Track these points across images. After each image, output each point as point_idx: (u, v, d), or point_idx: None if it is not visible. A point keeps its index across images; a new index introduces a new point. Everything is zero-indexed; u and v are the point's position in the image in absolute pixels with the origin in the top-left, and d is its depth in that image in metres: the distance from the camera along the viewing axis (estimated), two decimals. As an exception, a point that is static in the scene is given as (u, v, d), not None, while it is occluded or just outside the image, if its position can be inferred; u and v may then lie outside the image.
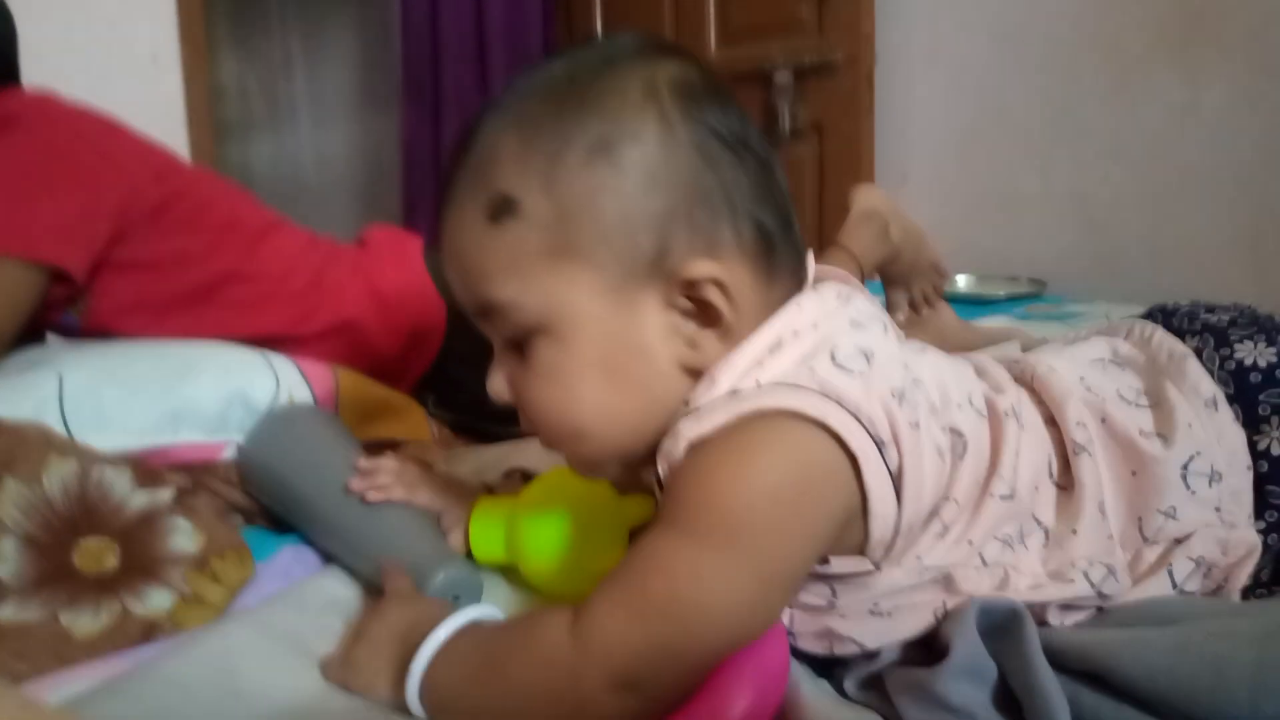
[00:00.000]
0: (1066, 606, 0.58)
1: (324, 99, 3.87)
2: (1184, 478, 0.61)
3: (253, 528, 0.84)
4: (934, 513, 0.57)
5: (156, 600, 0.68)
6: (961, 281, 2.06)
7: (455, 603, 0.66)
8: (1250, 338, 0.66)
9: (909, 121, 2.43)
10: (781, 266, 0.59)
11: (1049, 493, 0.61)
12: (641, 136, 0.55)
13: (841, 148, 2.46)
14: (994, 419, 0.61)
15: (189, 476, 0.82)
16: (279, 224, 1.24)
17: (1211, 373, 0.65)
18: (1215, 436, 0.63)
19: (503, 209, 0.56)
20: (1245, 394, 0.64)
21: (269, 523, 0.84)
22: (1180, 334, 0.69)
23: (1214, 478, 0.61)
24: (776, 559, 0.52)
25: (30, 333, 1.06)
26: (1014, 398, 0.64)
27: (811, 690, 0.54)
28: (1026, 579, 0.58)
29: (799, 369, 0.54)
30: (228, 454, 0.90)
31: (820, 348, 0.55)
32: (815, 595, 0.58)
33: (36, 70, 1.23)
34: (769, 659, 0.51)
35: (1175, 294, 0.78)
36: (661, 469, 0.57)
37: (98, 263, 1.05)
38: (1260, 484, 0.63)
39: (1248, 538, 0.61)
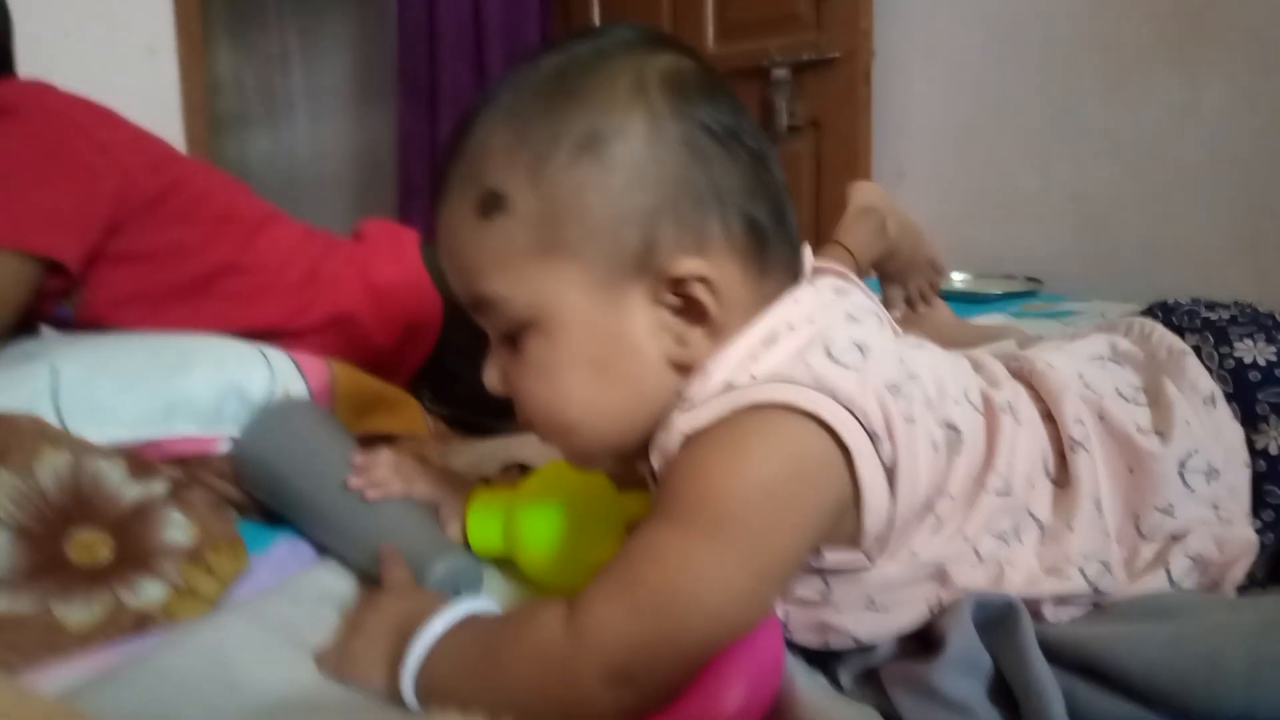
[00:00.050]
0: (1062, 601, 0.58)
1: (320, 93, 3.87)
2: (1181, 475, 0.61)
3: (247, 520, 0.84)
4: (928, 506, 0.57)
5: (150, 592, 0.67)
6: (958, 279, 2.06)
7: (455, 594, 0.66)
8: (1250, 336, 0.66)
9: (907, 118, 2.43)
10: (774, 261, 0.59)
11: (1045, 488, 0.61)
12: (628, 133, 0.55)
13: (839, 144, 2.46)
14: (990, 414, 0.61)
15: (183, 470, 0.82)
16: (275, 217, 1.24)
17: (1211, 370, 0.65)
18: (1213, 434, 0.63)
19: (492, 205, 0.56)
20: (1244, 392, 0.64)
21: (263, 516, 0.84)
22: (1180, 331, 0.69)
23: (1211, 475, 0.61)
24: (770, 551, 0.52)
25: (24, 325, 1.06)
26: (1011, 393, 0.64)
27: (806, 684, 0.54)
28: (1021, 574, 0.58)
29: (794, 363, 0.54)
30: (222, 447, 0.90)
31: (815, 341, 0.55)
32: (809, 589, 0.58)
33: (33, 61, 1.22)
34: (763, 652, 0.51)
35: (1173, 293, 0.78)
36: (655, 462, 0.57)
37: (93, 254, 1.05)
38: (1258, 482, 0.62)
39: (1244, 535, 0.61)
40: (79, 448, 0.73)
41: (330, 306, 1.16)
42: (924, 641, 0.56)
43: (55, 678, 0.59)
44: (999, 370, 0.67)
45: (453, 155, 0.59)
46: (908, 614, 0.57)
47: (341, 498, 0.74)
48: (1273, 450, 0.62)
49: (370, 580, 0.70)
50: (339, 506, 0.74)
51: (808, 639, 0.59)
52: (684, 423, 0.54)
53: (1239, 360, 0.65)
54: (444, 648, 0.55)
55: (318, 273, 1.18)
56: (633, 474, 0.63)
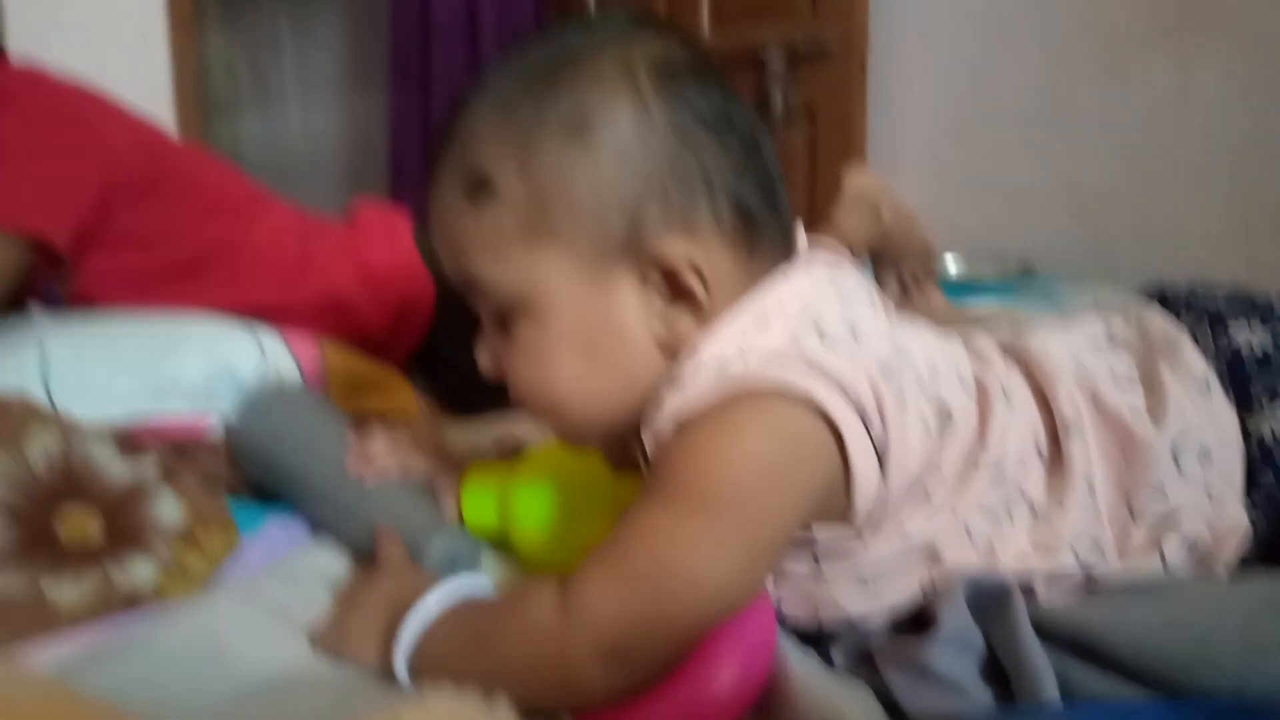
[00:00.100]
0: (1054, 581, 0.58)
1: (312, 78, 3.84)
2: (1174, 457, 0.61)
3: (238, 499, 0.83)
4: (920, 485, 0.57)
5: (140, 570, 0.67)
6: (951, 265, 2.06)
7: (451, 572, 0.66)
8: (1245, 320, 0.66)
9: (902, 106, 2.42)
10: (765, 244, 0.59)
11: (1037, 468, 0.61)
12: (615, 118, 0.55)
13: (834, 131, 2.46)
14: (982, 394, 0.61)
15: (174, 449, 0.81)
16: (267, 200, 1.23)
17: (1206, 354, 0.65)
18: (1207, 417, 0.62)
19: (480, 190, 0.57)
20: (1239, 376, 0.64)
21: (255, 495, 0.83)
22: (1176, 314, 0.69)
23: (1204, 459, 0.61)
24: (762, 529, 0.52)
25: (13, 302, 1.05)
26: (1003, 374, 0.64)
27: (800, 662, 0.54)
28: (1012, 552, 0.58)
29: (786, 343, 0.54)
30: (212, 424, 0.90)
31: (807, 322, 0.55)
32: (800, 564, 0.58)
33: (25, 46, 1.22)
34: (756, 632, 0.51)
35: (1166, 279, 0.78)
36: (647, 441, 0.57)
37: (83, 236, 1.04)
38: (1251, 466, 0.62)
39: (1236, 518, 0.61)
40: (69, 427, 0.72)
41: (322, 288, 1.16)
42: (917, 621, 0.56)
43: (46, 656, 0.59)
44: (992, 351, 0.67)
45: (443, 140, 0.59)
46: (899, 592, 0.57)
47: (337, 476, 0.74)
48: (1266, 435, 0.62)
49: (366, 558, 0.69)
50: (335, 485, 0.74)
51: (800, 618, 0.59)
52: (675, 403, 0.55)
53: (1234, 344, 0.65)
54: (438, 625, 0.55)
55: (310, 255, 1.18)
56: (627, 453, 0.63)
